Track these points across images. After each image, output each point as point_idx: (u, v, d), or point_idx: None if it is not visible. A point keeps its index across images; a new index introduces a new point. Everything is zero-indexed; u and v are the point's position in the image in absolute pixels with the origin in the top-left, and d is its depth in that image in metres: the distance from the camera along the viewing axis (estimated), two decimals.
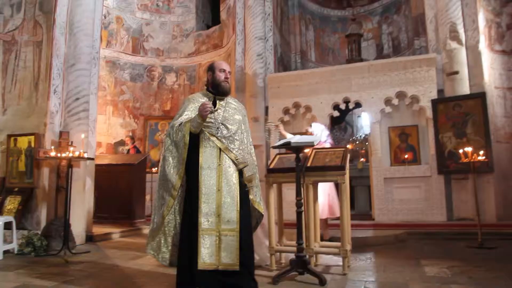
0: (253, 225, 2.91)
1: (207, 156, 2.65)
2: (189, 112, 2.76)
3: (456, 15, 7.17)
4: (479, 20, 7.18)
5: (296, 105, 8.28)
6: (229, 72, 2.87)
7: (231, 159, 2.68)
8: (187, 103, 2.84)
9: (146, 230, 7.29)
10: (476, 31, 7.13)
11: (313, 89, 8.12)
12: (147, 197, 8.49)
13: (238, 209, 2.60)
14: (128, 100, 10.45)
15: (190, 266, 2.53)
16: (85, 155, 5.08)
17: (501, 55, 7.41)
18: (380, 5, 11.89)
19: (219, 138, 2.67)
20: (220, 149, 2.67)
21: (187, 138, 2.62)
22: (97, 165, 6.72)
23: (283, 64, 9.83)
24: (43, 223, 5.39)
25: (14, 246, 4.94)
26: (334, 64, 10.90)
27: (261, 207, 2.86)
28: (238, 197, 2.63)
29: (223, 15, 10.54)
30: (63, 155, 4.94)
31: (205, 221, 2.55)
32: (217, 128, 2.69)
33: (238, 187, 2.65)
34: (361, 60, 9.81)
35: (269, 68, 8.76)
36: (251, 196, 2.79)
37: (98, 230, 6.48)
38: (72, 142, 5.48)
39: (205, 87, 2.95)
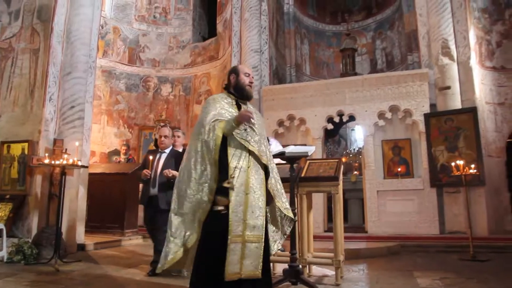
0: (287, 233, 2.86)
1: (236, 159, 2.53)
2: (217, 113, 2.63)
3: (447, 31, 7.35)
4: (470, 37, 7.36)
5: (291, 118, 8.35)
6: (252, 77, 2.84)
7: (260, 164, 2.59)
8: (213, 104, 2.69)
9: (139, 239, 7.24)
10: (467, 47, 7.30)
11: (308, 102, 8.20)
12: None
13: (264, 215, 2.52)
14: (123, 109, 10.46)
15: (209, 275, 2.40)
16: (79, 163, 5.07)
17: (491, 71, 7.58)
18: (374, 21, 12.13)
19: (251, 143, 2.56)
20: (248, 153, 2.56)
21: (219, 140, 2.51)
22: (90, 174, 6.68)
23: (278, 77, 9.94)
24: (34, 231, 5.32)
25: (3, 254, 4.86)
26: (329, 77, 11.05)
27: (290, 213, 2.81)
28: (265, 202, 2.55)
29: (219, 27, 10.67)
30: (57, 162, 4.92)
31: (235, 228, 2.42)
32: (247, 132, 2.58)
33: (265, 193, 2.57)
34: (355, 74, 9.95)
35: (264, 81, 8.85)
36: (278, 204, 2.73)
37: (90, 239, 6.41)
38: (66, 149, 5.46)
39: (224, 89, 2.86)
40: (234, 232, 2.41)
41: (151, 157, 4.48)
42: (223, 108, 2.67)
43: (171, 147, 4.57)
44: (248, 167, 2.54)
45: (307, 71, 11.94)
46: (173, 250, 2.53)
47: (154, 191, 4.32)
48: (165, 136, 4.47)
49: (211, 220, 2.49)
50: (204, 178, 2.53)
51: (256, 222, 2.47)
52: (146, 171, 4.32)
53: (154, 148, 5.59)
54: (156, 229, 4.23)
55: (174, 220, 2.59)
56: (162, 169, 4.29)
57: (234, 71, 2.85)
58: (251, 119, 2.54)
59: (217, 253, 2.39)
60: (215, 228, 2.45)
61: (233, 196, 2.45)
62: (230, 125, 2.53)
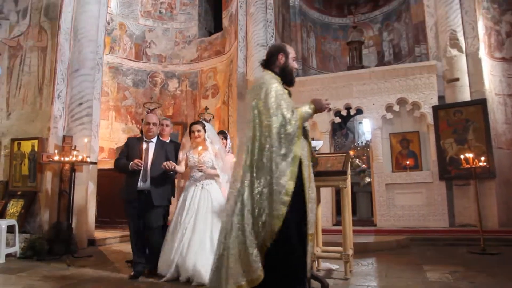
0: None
1: (305, 154, 2.37)
2: (285, 102, 2.35)
3: (456, 22, 7.24)
4: (479, 28, 7.25)
5: None
6: None
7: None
8: (276, 87, 2.39)
9: None
10: (476, 38, 7.19)
11: (315, 96, 8.03)
12: None
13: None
14: (130, 105, 10.50)
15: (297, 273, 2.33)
16: (88, 160, 5.11)
17: (501, 62, 7.46)
18: (381, 13, 11.99)
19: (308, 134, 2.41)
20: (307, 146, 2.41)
21: (300, 132, 2.30)
22: (99, 170, 6.74)
23: None
24: (45, 227, 5.40)
25: (16, 249, 4.94)
26: (336, 71, 10.98)
27: None
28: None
29: (225, 22, 10.63)
30: (66, 159, 4.98)
31: (311, 226, 2.35)
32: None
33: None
34: (362, 67, 9.87)
35: None
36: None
37: (100, 234, 6.49)
38: (75, 146, 5.51)
39: (265, 67, 2.59)
40: (310, 231, 2.34)
41: (144, 146, 3.93)
42: (284, 93, 2.40)
43: (157, 137, 4.13)
44: (308, 160, 2.40)
45: (314, 64, 11.87)
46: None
47: (145, 185, 3.87)
48: (154, 124, 3.99)
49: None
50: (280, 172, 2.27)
51: (313, 219, 2.42)
52: (138, 161, 3.78)
53: (139, 135, 4.80)
54: (148, 228, 3.89)
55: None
56: (154, 160, 3.91)
57: (284, 50, 2.57)
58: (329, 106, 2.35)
59: (299, 253, 2.31)
60: (293, 225, 2.28)
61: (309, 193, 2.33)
62: (308, 115, 2.35)
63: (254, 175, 2.29)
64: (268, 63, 2.58)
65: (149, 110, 4.88)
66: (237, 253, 2.21)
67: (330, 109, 2.43)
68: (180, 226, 3.77)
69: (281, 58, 2.56)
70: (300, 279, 2.31)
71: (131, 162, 3.78)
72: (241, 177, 2.34)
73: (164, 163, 3.84)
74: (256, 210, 2.25)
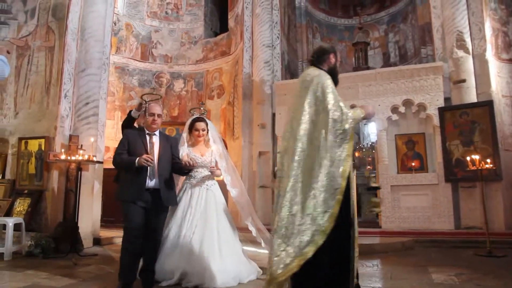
0: None
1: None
2: (341, 100, 2.42)
3: (462, 24, 7.21)
4: (486, 29, 7.21)
5: None
6: None
7: None
8: (331, 82, 2.46)
9: None
10: (483, 40, 7.15)
11: None
12: None
13: None
14: (136, 105, 10.56)
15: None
16: (94, 159, 5.15)
17: (508, 63, 7.41)
18: (386, 14, 11.96)
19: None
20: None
21: (353, 132, 2.36)
22: (105, 169, 6.77)
23: (290, 72, 9.90)
24: (51, 226, 5.44)
25: (23, 247, 4.99)
26: (341, 72, 10.90)
27: None
28: None
29: (231, 22, 10.66)
30: (73, 158, 5.01)
31: (356, 230, 2.39)
32: None
33: None
34: (368, 68, 9.86)
35: (276, 76, 8.83)
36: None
37: (105, 233, 6.52)
38: (81, 145, 5.55)
39: (315, 65, 2.63)
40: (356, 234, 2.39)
41: (148, 139, 3.48)
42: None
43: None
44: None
45: None
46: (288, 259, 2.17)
47: (154, 183, 3.36)
48: (158, 115, 3.52)
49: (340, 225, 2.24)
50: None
51: None
52: (148, 157, 3.24)
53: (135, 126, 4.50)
54: (155, 233, 3.40)
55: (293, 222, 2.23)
56: (161, 156, 3.45)
57: (335, 52, 2.67)
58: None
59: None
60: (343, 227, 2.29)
61: (352, 192, 2.36)
62: (359, 119, 2.39)
63: (303, 170, 2.30)
64: (317, 61, 2.63)
65: (145, 101, 4.40)
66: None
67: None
68: (185, 231, 3.53)
69: (332, 59, 2.65)
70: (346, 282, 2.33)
71: (139, 158, 3.24)
72: (288, 172, 2.33)
73: (187, 160, 3.50)
74: (310, 206, 2.21)
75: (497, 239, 5.60)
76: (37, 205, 5.54)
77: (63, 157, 5.05)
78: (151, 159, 3.27)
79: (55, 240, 5.05)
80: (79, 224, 5.19)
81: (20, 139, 5.88)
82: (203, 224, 3.55)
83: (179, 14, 11.35)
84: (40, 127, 5.86)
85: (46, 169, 5.65)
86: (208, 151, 3.90)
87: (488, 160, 5.65)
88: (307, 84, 2.50)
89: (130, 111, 4.51)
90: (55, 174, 5.64)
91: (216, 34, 11.43)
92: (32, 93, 6.07)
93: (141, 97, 6.04)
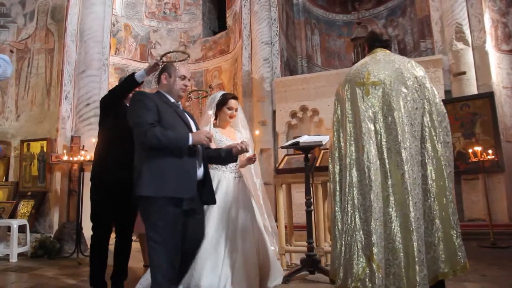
0: None
1: None
2: None
3: (461, 16, 7.20)
4: (485, 21, 7.20)
5: (303, 109, 8.32)
6: None
7: None
8: None
9: None
10: (482, 31, 7.14)
11: (320, 93, 8.16)
12: None
13: None
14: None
15: None
16: None
17: (508, 54, 7.40)
18: (385, 8, 11.93)
19: None
20: None
21: None
22: None
23: (289, 68, 9.90)
24: (55, 227, 5.47)
25: (28, 249, 5.02)
26: (340, 67, 10.93)
27: None
28: None
29: (229, 21, 10.67)
30: (75, 159, 5.03)
31: None
32: None
33: None
34: None
35: (276, 73, 8.83)
36: None
37: None
38: (83, 146, 5.58)
39: (390, 48, 2.69)
40: None
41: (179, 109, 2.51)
42: None
43: None
44: None
45: (319, 61, 11.84)
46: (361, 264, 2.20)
47: (200, 172, 2.39)
48: (189, 79, 2.60)
49: None
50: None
51: None
52: (209, 133, 2.30)
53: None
54: (198, 240, 2.51)
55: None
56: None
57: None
58: None
59: None
60: None
61: None
62: None
63: (431, 159, 2.37)
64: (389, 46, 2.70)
65: (162, 61, 3.37)
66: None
67: None
68: (227, 234, 2.74)
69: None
70: None
71: (195, 133, 2.30)
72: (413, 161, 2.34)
73: (239, 143, 2.55)
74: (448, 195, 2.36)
75: (500, 230, 5.60)
76: (40, 206, 5.57)
77: (65, 158, 5.07)
78: (211, 136, 2.35)
79: (59, 241, 5.08)
80: (82, 225, 5.20)
81: (22, 141, 5.90)
82: (245, 224, 2.85)
83: (177, 14, 11.35)
84: (42, 129, 5.89)
85: (49, 170, 5.68)
86: (237, 136, 3.18)
87: (490, 152, 5.64)
88: (412, 73, 2.47)
89: (133, 74, 2.99)
90: (57, 175, 5.67)
91: (214, 33, 11.43)
92: (33, 96, 6.09)
93: (161, 58, 4.08)
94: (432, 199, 2.32)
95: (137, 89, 3.00)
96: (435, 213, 2.32)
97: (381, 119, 2.40)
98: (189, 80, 2.58)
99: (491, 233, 5.18)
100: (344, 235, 2.35)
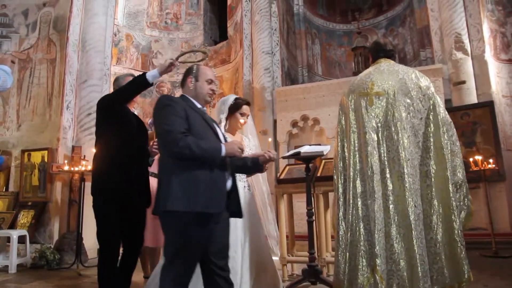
0: None
1: None
2: None
3: (460, 25, 7.24)
4: (484, 30, 7.24)
5: (304, 118, 8.33)
6: None
7: None
8: None
9: None
10: (481, 41, 7.18)
11: (321, 102, 8.18)
12: None
13: None
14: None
15: None
16: None
17: (507, 64, 7.43)
18: (385, 18, 12.02)
19: None
20: None
21: None
22: None
23: (290, 78, 9.94)
24: (55, 237, 5.45)
25: (27, 259, 4.99)
26: (341, 77, 10.99)
27: None
28: None
29: (230, 31, 10.74)
30: (76, 169, 5.03)
31: None
32: None
33: None
34: None
35: (277, 82, 8.86)
36: None
37: None
38: (84, 156, 5.57)
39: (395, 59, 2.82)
40: None
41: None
42: None
43: None
44: None
45: (319, 71, 11.90)
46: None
47: (229, 184, 2.20)
48: (216, 84, 2.44)
49: None
50: None
51: None
52: (241, 145, 2.14)
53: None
54: (224, 257, 2.18)
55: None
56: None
57: None
58: None
59: None
60: None
61: None
62: None
63: (436, 168, 2.40)
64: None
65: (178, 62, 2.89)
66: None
67: None
68: (239, 245, 2.66)
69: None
70: None
71: (228, 144, 2.12)
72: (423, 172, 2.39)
73: (266, 152, 2.38)
74: (454, 205, 2.35)
75: (502, 239, 5.57)
76: (41, 217, 5.55)
77: (66, 168, 5.07)
78: (244, 147, 2.22)
79: (59, 252, 5.05)
80: (83, 235, 5.18)
81: (23, 151, 5.91)
82: (253, 236, 2.78)
83: (178, 24, 11.44)
84: (43, 138, 5.90)
85: (49, 180, 5.67)
86: (245, 143, 3.12)
87: (491, 160, 5.64)
88: (420, 81, 2.55)
89: (144, 73, 2.68)
90: (58, 185, 5.67)
91: (215, 43, 11.50)
92: (35, 105, 6.12)
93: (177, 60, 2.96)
94: (435, 209, 2.31)
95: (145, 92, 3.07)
96: (439, 224, 2.31)
97: (384, 130, 2.41)
98: (216, 84, 2.43)
99: (493, 243, 5.15)
100: (348, 246, 2.35)
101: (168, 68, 2.68)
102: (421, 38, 10.07)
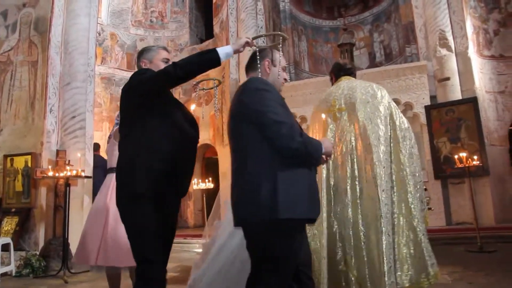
0: None
1: None
2: None
3: (444, 22, 7.32)
4: (467, 27, 7.33)
5: None
6: None
7: None
8: None
9: None
10: (464, 37, 7.26)
11: (308, 100, 8.19)
12: None
13: None
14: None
15: None
16: (83, 174, 5.09)
17: (490, 60, 7.55)
18: (370, 14, 12.07)
19: None
20: None
21: None
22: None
23: None
24: (41, 244, 5.35)
25: (12, 268, 4.88)
26: (328, 73, 11.01)
27: None
28: None
29: (216, 29, 10.66)
30: (61, 174, 4.95)
31: None
32: None
33: None
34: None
35: None
36: None
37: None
38: (69, 161, 5.49)
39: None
40: None
41: None
42: None
43: None
44: None
45: (306, 68, 11.91)
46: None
47: None
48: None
49: None
50: None
51: None
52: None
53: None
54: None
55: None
56: None
57: None
58: None
59: None
60: None
61: None
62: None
63: (406, 169, 2.61)
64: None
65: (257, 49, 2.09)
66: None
67: None
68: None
69: None
70: None
71: (328, 144, 1.90)
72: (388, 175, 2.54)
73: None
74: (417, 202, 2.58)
75: (487, 234, 5.68)
76: (25, 223, 5.45)
77: (50, 173, 4.98)
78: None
79: (45, 259, 4.97)
80: (69, 240, 5.11)
81: (5, 156, 5.78)
82: None
83: (164, 22, 11.32)
84: (26, 143, 5.77)
85: (34, 186, 5.56)
86: None
87: (475, 157, 5.73)
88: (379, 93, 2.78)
89: (214, 49, 1.98)
90: (43, 190, 5.56)
91: (202, 41, 11.42)
92: (17, 109, 5.98)
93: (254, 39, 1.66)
94: (396, 210, 2.52)
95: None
96: (401, 224, 2.52)
97: (351, 140, 2.66)
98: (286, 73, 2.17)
99: (478, 237, 5.24)
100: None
101: (243, 46, 2.07)
102: (407, 34, 10.13)
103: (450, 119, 6.98)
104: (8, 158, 5.75)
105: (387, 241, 2.34)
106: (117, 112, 3.19)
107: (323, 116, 2.65)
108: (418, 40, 7.96)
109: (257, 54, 2.00)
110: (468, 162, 5.48)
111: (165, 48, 2.33)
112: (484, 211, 6.51)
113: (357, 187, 2.55)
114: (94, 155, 6.94)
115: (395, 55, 11.17)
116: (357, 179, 2.57)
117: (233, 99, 1.96)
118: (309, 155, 1.75)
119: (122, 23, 10.94)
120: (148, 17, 11.27)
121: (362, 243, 2.44)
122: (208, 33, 11.48)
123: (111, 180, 3.04)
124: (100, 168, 6.89)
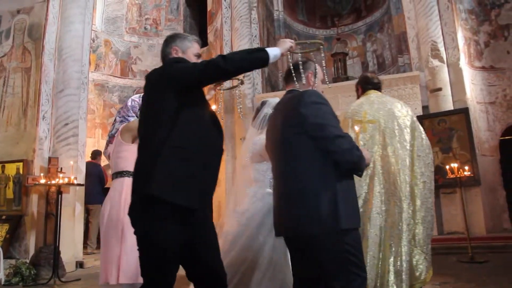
0: None
1: None
2: None
3: (436, 34, 7.43)
4: (459, 39, 7.45)
5: None
6: None
7: None
8: None
9: None
10: (456, 49, 7.38)
11: None
12: None
13: None
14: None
15: None
16: (75, 182, 5.05)
17: (481, 71, 7.67)
18: (364, 24, 12.21)
19: None
20: None
21: None
22: None
23: (270, 84, 9.98)
24: (31, 251, 5.29)
25: (1, 276, 4.79)
26: (322, 83, 11.09)
27: None
28: None
29: (210, 37, 10.71)
30: (53, 182, 4.91)
31: None
32: None
33: None
34: (347, 78, 10.01)
35: (257, 89, 8.88)
36: None
37: (88, 256, 6.37)
38: (61, 168, 5.45)
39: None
40: None
41: None
42: None
43: None
44: None
45: None
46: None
47: None
48: None
49: None
50: None
51: None
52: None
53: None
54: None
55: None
56: None
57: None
58: None
59: None
60: None
61: None
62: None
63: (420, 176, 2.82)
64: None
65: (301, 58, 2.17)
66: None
67: None
68: None
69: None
70: None
71: (367, 154, 1.94)
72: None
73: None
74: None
75: (478, 244, 5.72)
76: (16, 231, 5.38)
77: (42, 181, 4.93)
78: None
79: (35, 267, 4.91)
80: (60, 248, 5.06)
81: None
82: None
83: (158, 30, 11.34)
84: (18, 150, 5.73)
85: (25, 193, 5.51)
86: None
87: (466, 168, 5.79)
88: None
89: (263, 48, 1.93)
90: (34, 198, 5.51)
91: None
92: (9, 115, 5.94)
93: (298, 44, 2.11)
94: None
95: None
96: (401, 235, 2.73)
97: (378, 152, 2.80)
98: None
99: (469, 248, 5.28)
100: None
101: (288, 50, 2.00)
102: (399, 44, 10.26)
103: (442, 129, 7.05)
104: (0, 165, 5.70)
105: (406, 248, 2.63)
106: (118, 109, 3.10)
107: (356, 128, 2.69)
108: (411, 50, 8.07)
109: (301, 65, 2.05)
110: (459, 173, 5.54)
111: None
112: (475, 221, 6.57)
113: (383, 197, 2.72)
114: (92, 163, 6.91)
115: (388, 64, 11.30)
116: (382, 189, 2.73)
117: (285, 109, 1.99)
118: (362, 168, 1.84)
119: (116, 30, 10.94)
120: (143, 25, 11.29)
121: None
122: (202, 41, 11.46)
123: (122, 186, 2.54)
124: (94, 177, 6.86)
